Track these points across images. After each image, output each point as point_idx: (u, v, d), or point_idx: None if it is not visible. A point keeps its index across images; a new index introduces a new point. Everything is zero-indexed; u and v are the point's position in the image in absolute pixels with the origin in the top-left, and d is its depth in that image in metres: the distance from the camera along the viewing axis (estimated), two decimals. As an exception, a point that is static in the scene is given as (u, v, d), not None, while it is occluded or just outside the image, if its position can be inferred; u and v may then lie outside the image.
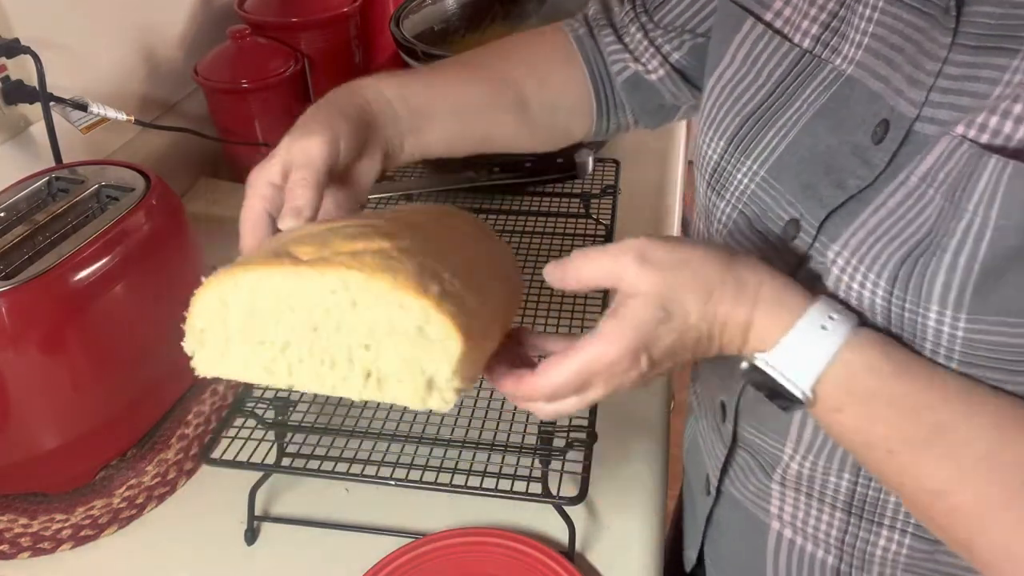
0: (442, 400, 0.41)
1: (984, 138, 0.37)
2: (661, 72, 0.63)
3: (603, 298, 0.76)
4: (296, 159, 0.51)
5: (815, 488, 0.51)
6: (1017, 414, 0.39)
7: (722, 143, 0.52)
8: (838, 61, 0.46)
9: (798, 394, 0.40)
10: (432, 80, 0.61)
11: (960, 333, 0.38)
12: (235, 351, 0.43)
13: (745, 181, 0.50)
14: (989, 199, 0.36)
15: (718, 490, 0.59)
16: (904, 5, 0.43)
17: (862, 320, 0.42)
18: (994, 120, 0.37)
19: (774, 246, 0.48)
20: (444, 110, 0.59)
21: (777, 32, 0.50)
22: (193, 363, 0.44)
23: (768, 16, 0.50)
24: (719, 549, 0.63)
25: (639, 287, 0.41)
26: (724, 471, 0.57)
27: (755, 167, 0.49)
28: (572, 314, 0.75)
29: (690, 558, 0.67)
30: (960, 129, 0.38)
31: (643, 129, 0.69)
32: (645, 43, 0.63)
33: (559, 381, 0.41)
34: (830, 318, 0.40)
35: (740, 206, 0.51)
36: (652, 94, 0.64)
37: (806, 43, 0.48)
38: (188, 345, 0.44)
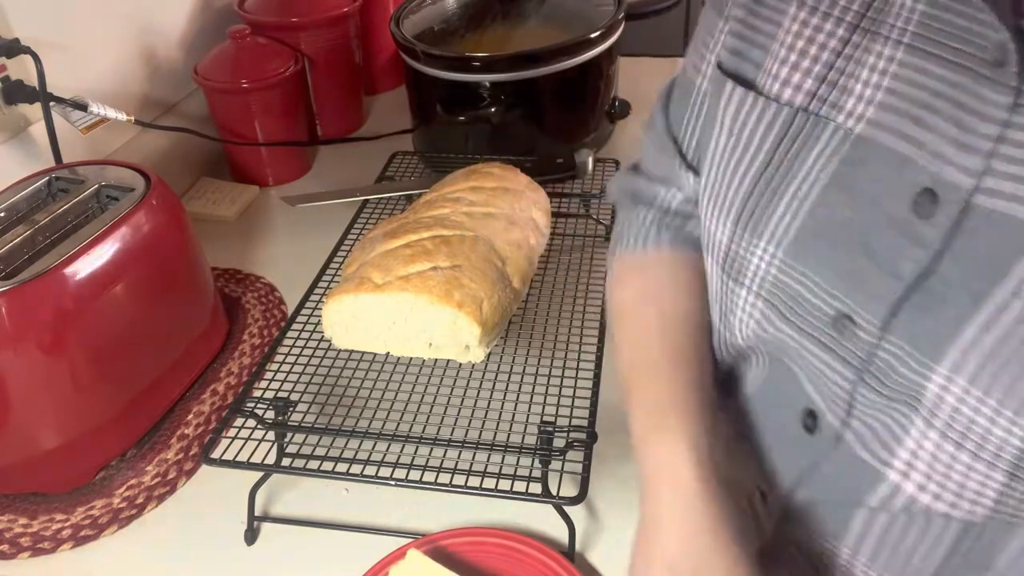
0: (475, 357, 0.68)
1: None
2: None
3: (604, 291, 0.76)
4: None
5: None
6: None
7: (728, 224, 0.47)
8: (841, 119, 0.41)
9: None
10: None
11: None
12: (352, 335, 0.69)
13: (763, 266, 0.45)
14: None
15: None
16: (931, 57, 0.37)
17: None
18: None
19: (822, 343, 0.43)
20: None
21: (760, 93, 0.45)
22: (333, 343, 0.70)
23: (761, 79, 0.45)
24: None
25: None
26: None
27: (771, 249, 0.45)
28: (573, 307, 0.75)
29: None
30: None
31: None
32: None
33: None
34: None
35: (764, 294, 0.46)
36: None
37: (798, 99, 0.43)
38: (327, 333, 0.70)
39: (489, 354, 0.68)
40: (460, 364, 0.69)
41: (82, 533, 0.65)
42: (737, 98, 0.46)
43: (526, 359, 0.71)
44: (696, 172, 0.55)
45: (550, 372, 0.68)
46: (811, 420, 0.46)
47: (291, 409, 0.64)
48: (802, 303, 0.44)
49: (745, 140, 0.45)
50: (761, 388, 0.51)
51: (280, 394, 0.66)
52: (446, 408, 0.66)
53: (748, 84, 0.45)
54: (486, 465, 0.60)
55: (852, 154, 0.40)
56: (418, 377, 0.70)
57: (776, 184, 0.44)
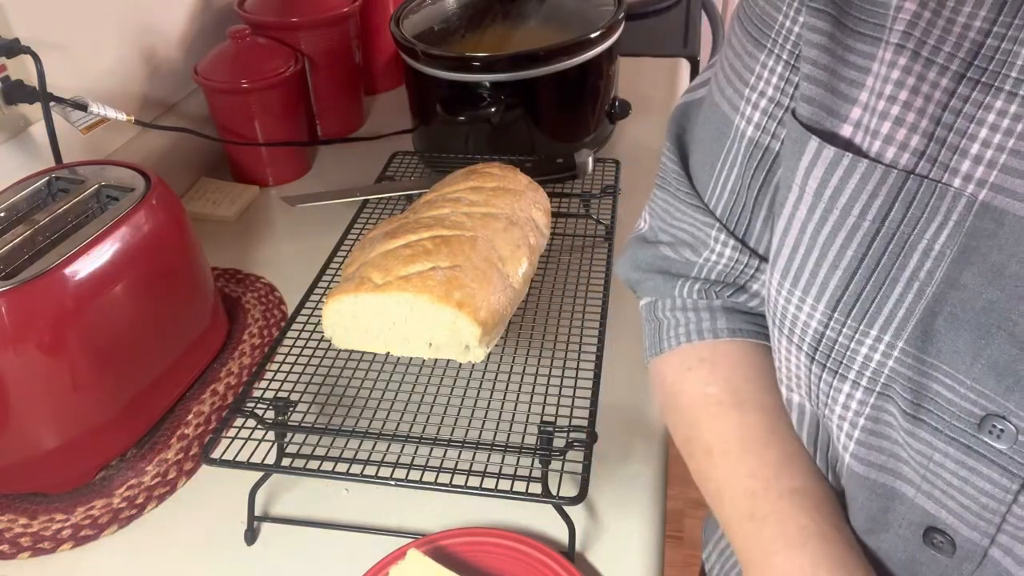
0: (475, 357, 0.66)
1: None
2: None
3: (604, 291, 0.76)
4: None
5: None
6: None
7: (822, 307, 0.41)
8: (958, 183, 0.35)
9: None
10: None
11: None
12: (352, 336, 0.68)
13: (877, 357, 0.40)
14: None
15: None
16: None
17: None
18: None
19: (966, 446, 0.38)
20: None
21: (860, 153, 0.38)
22: (333, 343, 0.69)
23: (859, 136, 0.39)
24: None
25: None
26: None
27: (887, 338, 0.39)
28: (573, 307, 0.75)
29: None
30: None
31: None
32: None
33: None
34: None
35: (878, 388, 0.41)
36: None
37: (904, 159, 0.37)
38: (327, 333, 0.69)
39: (489, 354, 0.68)
40: (460, 364, 0.69)
41: (82, 533, 0.65)
42: (828, 158, 0.39)
43: (526, 359, 0.71)
44: (739, 240, 0.50)
45: (550, 372, 0.68)
46: (942, 541, 0.41)
47: (291, 409, 0.64)
48: (932, 398, 0.38)
49: (842, 208, 0.39)
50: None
51: (280, 394, 0.66)
52: (446, 408, 0.66)
53: (841, 141, 0.39)
54: (486, 465, 0.60)
55: (977, 225, 0.35)
56: (418, 377, 0.70)
57: (888, 261, 0.38)
